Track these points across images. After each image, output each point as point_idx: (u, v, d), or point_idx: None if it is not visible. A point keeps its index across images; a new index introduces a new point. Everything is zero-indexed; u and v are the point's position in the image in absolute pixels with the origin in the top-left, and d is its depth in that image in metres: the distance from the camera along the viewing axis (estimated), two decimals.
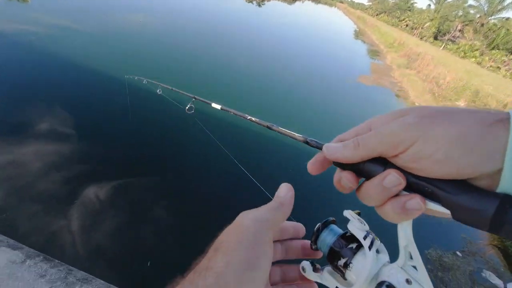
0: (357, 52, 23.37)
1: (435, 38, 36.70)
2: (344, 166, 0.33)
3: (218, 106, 0.79)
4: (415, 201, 0.27)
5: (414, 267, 0.29)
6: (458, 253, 4.96)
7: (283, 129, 0.46)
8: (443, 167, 0.25)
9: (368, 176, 0.30)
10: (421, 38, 36.38)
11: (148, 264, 3.72)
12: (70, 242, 3.82)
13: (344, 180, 0.32)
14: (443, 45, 33.20)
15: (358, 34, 33.61)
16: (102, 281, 2.58)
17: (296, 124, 8.22)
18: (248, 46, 15.02)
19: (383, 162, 0.30)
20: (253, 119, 0.55)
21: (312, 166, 0.35)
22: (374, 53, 23.65)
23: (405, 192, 0.28)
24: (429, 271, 4.51)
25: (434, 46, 32.70)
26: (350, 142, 0.31)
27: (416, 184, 0.27)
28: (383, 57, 22.49)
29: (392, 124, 0.28)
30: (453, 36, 34.21)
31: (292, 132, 0.43)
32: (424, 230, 5.46)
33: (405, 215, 0.28)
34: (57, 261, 2.64)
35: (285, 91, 10.51)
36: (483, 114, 0.25)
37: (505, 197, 0.23)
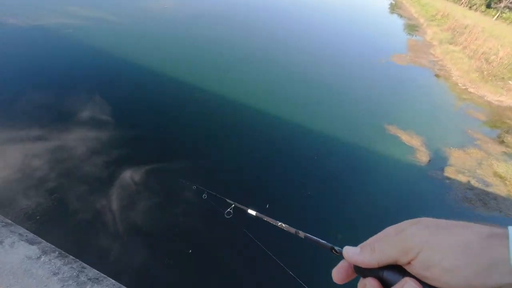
0: (392, 28, 21.46)
1: (488, 6, 32.17)
2: (365, 273, 0.34)
3: (253, 213, 0.89)
4: None
5: None
6: None
7: (310, 235, 0.47)
8: (453, 276, 0.27)
9: (389, 285, 0.32)
10: (470, 7, 32.18)
11: (190, 252, 3.96)
12: (111, 219, 4.22)
13: (368, 286, 0.33)
14: (498, 14, 29.09)
15: (394, 7, 30.70)
16: (113, 281, 2.59)
17: (319, 120, 7.96)
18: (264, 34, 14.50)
19: (401, 271, 0.32)
20: (283, 225, 0.61)
21: (337, 275, 0.37)
22: (412, 28, 21.54)
23: None
24: None
25: (486, 16, 28.79)
26: (367, 247, 0.34)
27: None
28: (423, 32, 20.42)
29: (403, 232, 0.32)
30: (511, 2, 29.74)
31: (318, 239, 0.44)
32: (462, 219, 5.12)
33: None
34: (71, 257, 2.66)
35: (308, 80, 10.13)
36: (478, 227, 0.28)
37: None
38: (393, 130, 7.56)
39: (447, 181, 6.10)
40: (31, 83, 6.28)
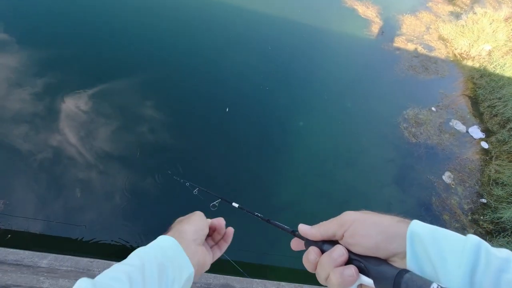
0: None
1: None
2: (311, 244, 0.45)
3: (236, 205, 1.03)
4: (350, 270, 0.38)
5: None
6: (433, 108, 5.49)
7: (278, 223, 0.61)
8: (367, 241, 0.38)
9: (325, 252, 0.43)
10: None
11: (185, 183, 3.84)
12: (76, 152, 4.02)
13: (311, 253, 0.44)
14: None
15: None
16: None
17: None
18: None
19: (336, 243, 0.43)
20: (259, 215, 0.73)
21: (293, 245, 0.51)
22: None
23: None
24: (404, 128, 5.17)
25: None
26: (316, 225, 0.46)
27: (354, 260, 0.40)
28: None
29: (342, 214, 0.44)
30: None
31: (284, 225, 0.57)
32: (404, 91, 5.78)
33: (343, 281, 0.38)
34: None
35: None
36: (395, 216, 0.40)
37: (402, 270, 0.35)
38: (349, 2, 7.00)
39: (397, 52, 6.39)
40: None
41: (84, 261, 2.25)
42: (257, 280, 2.50)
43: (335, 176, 4.49)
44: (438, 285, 0.31)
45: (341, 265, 0.40)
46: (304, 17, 6.31)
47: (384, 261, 0.38)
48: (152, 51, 5.03)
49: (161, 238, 0.54)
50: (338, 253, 0.40)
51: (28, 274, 1.61)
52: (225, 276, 2.45)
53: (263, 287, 2.38)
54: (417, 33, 6.94)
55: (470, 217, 4.24)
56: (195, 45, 5.35)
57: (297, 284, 2.46)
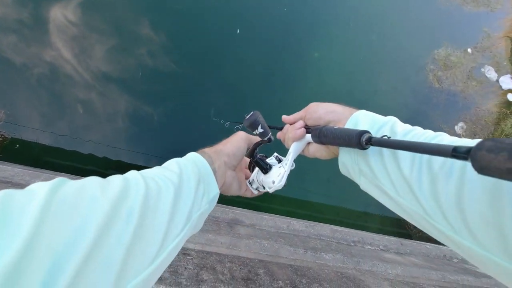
0: None
1: None
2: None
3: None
4: (300, 129, 0.55)
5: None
6: (469, 50, 4.76)
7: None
8: (314, 114, 0.55)
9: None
10: None
11: (225, 123, 3.74)
12: (73, 70, 3.80)
13: (285, 128, 0.62)
14: None
15: None
16: None
17: None
18: None
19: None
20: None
21: (278, 136, 0.66)
22: None
23: None
24: (430, 71, 4.63)
25: None
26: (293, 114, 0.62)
27: (307, 129, 0.56)
28: None
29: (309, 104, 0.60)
30: None
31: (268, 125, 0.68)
32: (443, 26, 4.92)
33: (294, 134, 0.55)
34: None
35: None
36: (352, 108, 0.54)
37: (325, 125, 0.52)
38: None
39: None
40: None
41: None
42: (266, 216, 2.41)
43: None
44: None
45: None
46: None
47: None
48: None
49: (193, 155, 0.52)
50: (298, 123, 0.56)
51: None
52: (233, 210, 2.36)
53: (273, 223, 2.29)
54: None
55: None
56: None
57: (307, 222, 2.45)
